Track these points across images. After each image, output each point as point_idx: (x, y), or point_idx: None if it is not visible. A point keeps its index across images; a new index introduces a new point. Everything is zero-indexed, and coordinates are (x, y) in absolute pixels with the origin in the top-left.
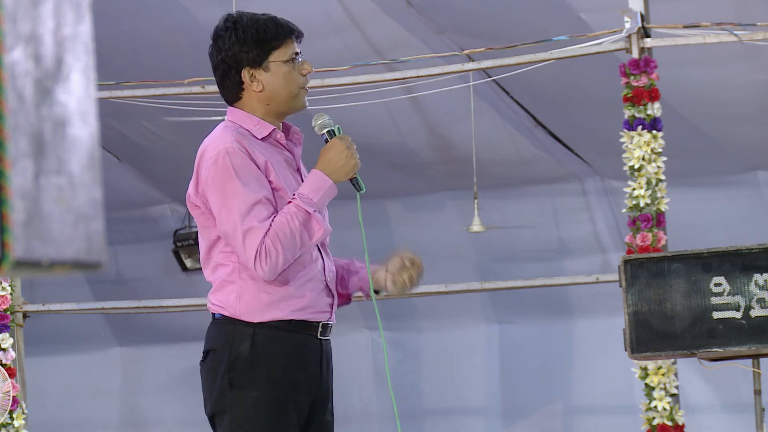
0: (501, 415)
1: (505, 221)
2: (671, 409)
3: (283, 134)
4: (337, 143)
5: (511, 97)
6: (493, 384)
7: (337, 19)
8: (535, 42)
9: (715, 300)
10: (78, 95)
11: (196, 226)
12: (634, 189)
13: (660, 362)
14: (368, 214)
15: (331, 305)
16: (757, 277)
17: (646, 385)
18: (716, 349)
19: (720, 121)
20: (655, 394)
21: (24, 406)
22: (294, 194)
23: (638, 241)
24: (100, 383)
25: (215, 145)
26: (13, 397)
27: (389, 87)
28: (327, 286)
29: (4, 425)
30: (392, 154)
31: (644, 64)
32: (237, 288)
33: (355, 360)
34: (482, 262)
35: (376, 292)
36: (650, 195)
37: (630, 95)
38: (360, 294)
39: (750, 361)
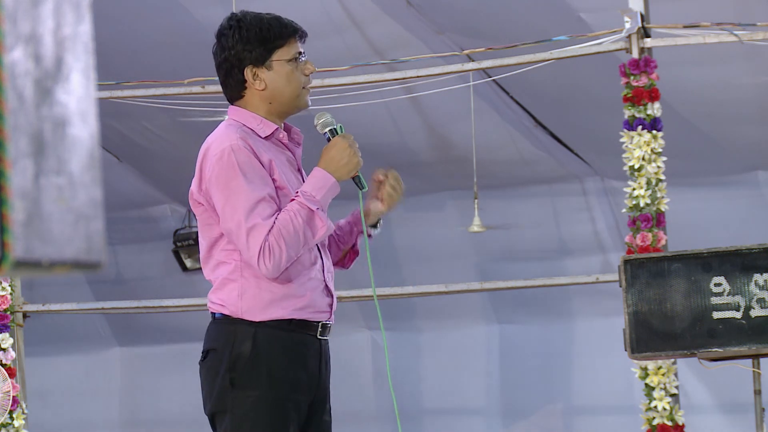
0: (501, 415)
1: (505, 221)
2: (671, 409)
3: (285, 134)
4: (339, 141)
5: (511, 97)
6: (493, 384)
7: (337, 19)
8: (535, 42)
9: (715, 300)
10: (78, 95)
11: (196, 226)
12: (634, 189)
13: (660, 362)
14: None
15: (331, 305)
16: (757, 277)
17: (646, 385)
18: (716, 349)
19: (720, 121)
20: (655, 394)
21: (24, 406)
22: (297, 192)
23: (638, 241)
24: (100, 383)
25: (220, 142)
26: (13, 397)
27: (389, 87)
28: (326, 286)
29: (4, 425)
30: (392, 154)
31: (644, 64)
32: (239, 286)
33: (355, 360)
34: (482, 262)
35: (374, 226)
36: (650, 195)
37: (630, 95)
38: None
39: (750, 361)
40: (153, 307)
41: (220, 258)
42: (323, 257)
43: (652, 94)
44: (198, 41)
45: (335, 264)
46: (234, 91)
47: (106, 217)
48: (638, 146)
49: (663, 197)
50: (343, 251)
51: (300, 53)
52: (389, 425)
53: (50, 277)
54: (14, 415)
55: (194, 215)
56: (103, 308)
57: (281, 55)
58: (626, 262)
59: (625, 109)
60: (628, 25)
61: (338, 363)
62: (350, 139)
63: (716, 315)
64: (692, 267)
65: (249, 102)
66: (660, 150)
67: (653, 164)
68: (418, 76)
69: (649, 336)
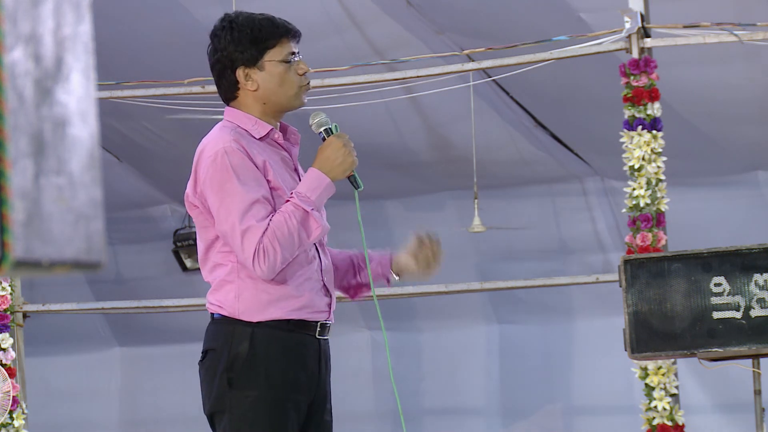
0: (501, 415)
1: (506, 221)
2: (671, 409)
3: (280, 134)
4: (334, 141)
5: (511, 97)
6: (492, 384)
7: (337, 19)
8: (535, 42)
9: (715, 300)
10: (78, 95)
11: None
12: (634, 189)
13: (660, 362)
14: (368, 215)
15: (329, 305)
16: (757, 277)
17: (646, 385)
18: (716, 349)
19: (720, 121)
20: (655, 394)
21: (24, 406)
22: (292, 193)
23: (638, 241)
24: (100, 383)
25: (213, 144)
26: (13, 397)
27: (389, 87)
28: (324, 285)
29: (4, 425)
30: (392, 154)
31: (644, 64)
32: (236, 287)
33: (355, 360)
34: (482, 262)
35: (398, 275)
36: (650, 195)
37: (630, 95)
38: (381, 281)
39: (750, 361)
40: (153, 307)
41: (216, 260)
42: (321, 257)
43: (652, 94)
44: (198, 41)
45: (343, 289)
46: (228, 92)
47: (106, 217)
48: (638, 146)
49: (663, 197)
50: (359, 283)
51: (293, 53)
52: (389, 425)
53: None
54: (14, 415)
55: None
56: (103, 308)
57: (273, 55)
58: (626, 262)
59: (625, 109)
60: (628, 25)
61: (338, 363)
62: (345, 138)
63: (716, 315)
64: (692, 267)
65: (243, 103)
66: (660, 150)
67: (653, 164)
68: (418, 76)
69: (649, 336)
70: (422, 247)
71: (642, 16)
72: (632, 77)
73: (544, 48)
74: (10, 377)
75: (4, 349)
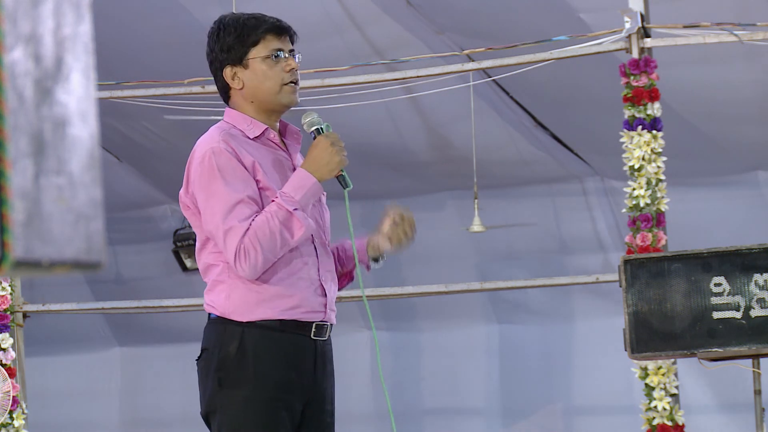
0: (501, 415)
1: (505, 221)
2: (671, 409)
3: (276, 134)
4: (321, 141)
5: (511, 97)
6: (493, 384)
7: (337, 19)
8: (535, 42)
9: (715, 300)
10: (78, 95)
11: None
12: (634, 189)
13: (660, 362)
14: (368, 215)
15: (325, 305)
16: (757, 277)
17: (646, 385)
18: (716, 349)
19: (720, 121)
20: (655, 394)
21: (24, 406)
22: (277, 193)
23: (638, 241)
24: (100, 383)
25: (203, 145)
26: (13, 397)
27: (389, 87)
28: (321, 285)
29: (4, 425)
30: (392, 154)
31: (644, 64)
32: (227, 287)
33: (355, 360)
34: (482, 262)
35: (376, 260)
36: (650, 195)
37: (630, 95)
38: (361, 267)
39: (750, 361)
40: (153, 307)
41: (208, 260)
42: (319, 256)
43: (652, 94)
44: (198, 41)
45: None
46: (222, 92)
47: (106, 217)
48: (638, 146)
49: (663, 197)
50: (340, 273)
51: (279, 50)
52: (388, 425)
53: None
54: (14, 415)
55: None
56: (103, 308)
57: (257, 52)
58: (626, 262)
59: (625, 109)
60: (628, 25)
61: (338, 363)
62: (334, 137)
63: (716, 315)
64: (692, 267)
65: (236, 102)
66: (660, 150)
67: (653, 164)
68: (418, 76)
69: (649, 336)
70: (395, 227)
71: (642, 16)
72: (632, 77)
73: (544, 48)
74: (10, 377)
75: (4, 349)
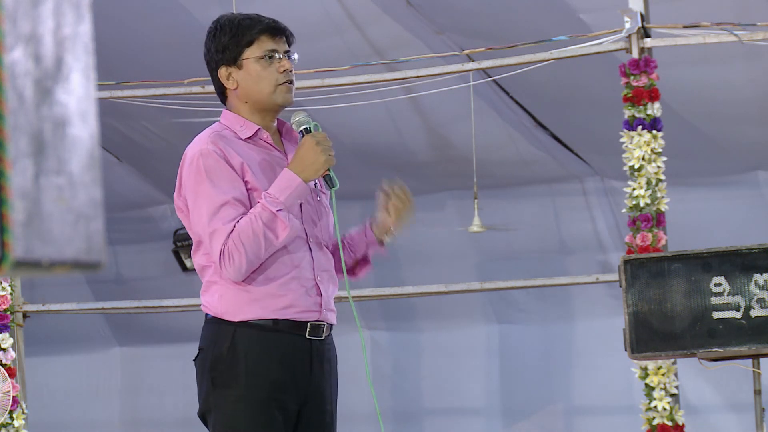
0: (501, 415)
1: (505, 221)
2: (671, 409)
3: (270, 134)
4: (306, 141)
5: (511, 97)
6: (493, 384)
7: (337, 19)
8: (535, 42)
9: (715, 300)
10: (78, 95)
11: None
12: (634, 189)
13: (660, 362)
14: (368, 214)
15: (320, 305)
16: (757, 277)
17: (646, 385)
18: (716, 349)
19: (720, 121)
20: (655, 394)
21: (24, 406)
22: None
23: (638, 241)
24: (100, 383)
25: (193, 148)
26: (13, 397)
27: (389, 87)
28: (316, 285)
29: (4, 425)
30: (392, 154)
31: (644, 64)
32: (219, 288)
33: (354, 360)
34: (482, 262)
35: (381, 243)
36: (650, 195)
37: (630, 95)
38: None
39: (750, 361)
40: (153, 307)
41: (202, 262)
42: (314, 256)
43: (652, 94)
44: (198, 41)
45: (349, 272)
46: (218, 92)
47: (106, 217)
48: (638, 146)
49: (663, 197)
50: (354, 260)
51: (273, 51)
52: (389, 425)
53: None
54: (14, 415)
55: None
56: (103, 308)
57: (251, 53)
58: (626, 262)
59: (625, 109)
60: (628, 25)
61: (339, 363)
62: (320, 137)
63: (716, 315)
64: (692, 267)
65: (231, 103)
66: (660, 150)
67: (653, 164)
68: (418, 76)
69: (649, 336)
70: (390, 199)
71: (642, 16)
72: (632, 77)
73: (544, 48)
74: (10, 377)
75: (4, 349)
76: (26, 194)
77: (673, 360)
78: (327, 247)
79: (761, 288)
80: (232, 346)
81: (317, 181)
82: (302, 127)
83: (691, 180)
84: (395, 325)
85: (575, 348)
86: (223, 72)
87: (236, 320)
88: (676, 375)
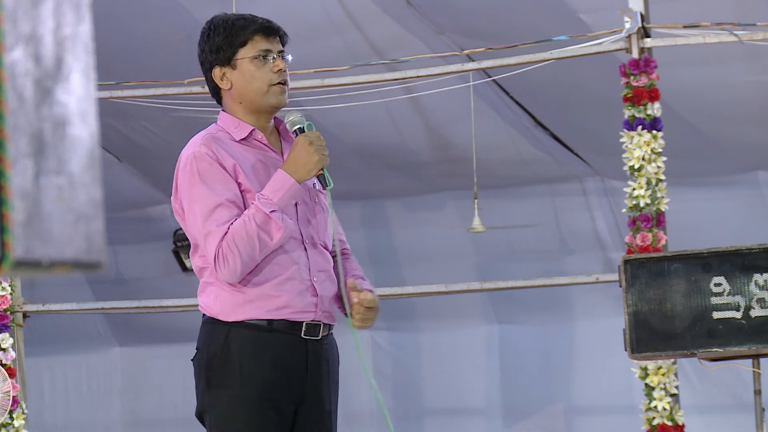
0: (501, 415)
1: (506, 221)
2: (671, 409)
3: (263, 135)
4: (299, 141)
5: (511, 98)
6: (493, 384)
7: (337, 19)
8: (535, 42)
9: (715, 300)
10: (78, 95)
11: None
12: (634, 189)
13: (660, 362)
14: (368, 215)
15: (316, 305)
16: (757, 277)
17: (646, 385)
18: (716, 349)
19: (720, 121)
20: (655, 394)
21: (24, 406)
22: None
23: (638, 241)
24: (100, 383)
25: (186, 151)
26: (13, 397)
27: (389, 87)
28: (312, 285)
29: (4, 425)
30: (392, 154)
31: (644, 64)
32: (215, 289)
33: (354, 360)
34: (482, 262)
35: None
36: (650, 195)
37: (630, 95)
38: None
39: (750, 361)
40: (153, 307)
41: (199, 263)
42: (310, 256)
43: (652, 94)
44: (198, 41)
45: None
46: (213, 93)
47: (106, 217)
48: (638, 146)
49: (663, 197)
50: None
51: (267, 51)
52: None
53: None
54: (14, 415)
55: None
56: (103, 308)
57: (245, 53)
58: (626, 262)
59: (625, 109)
60: (628, 25)
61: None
62: (313, 137)
63: (716, 315)
64: (692, 267)
65: (226, 104)
66: (660, 150)
67: (653, 164)
68: (418, 76)
69: (649, 336)
70: (357, 304)
71: (642, 16)
72: (632, 77)
73: (544, 48)
74: (10, 377)
75: (4, 349)
76: (26, 194)
77: (673, 360)
78: (325, 248)
79: (761, 288)
80: (226, 346)
81: (315, 180)
82: (296, 127)
83: (691, 180)
84: (395, 325)
85: (575, 348)
86: (217, 72)
87: (230, 320)
88: (676, 375)
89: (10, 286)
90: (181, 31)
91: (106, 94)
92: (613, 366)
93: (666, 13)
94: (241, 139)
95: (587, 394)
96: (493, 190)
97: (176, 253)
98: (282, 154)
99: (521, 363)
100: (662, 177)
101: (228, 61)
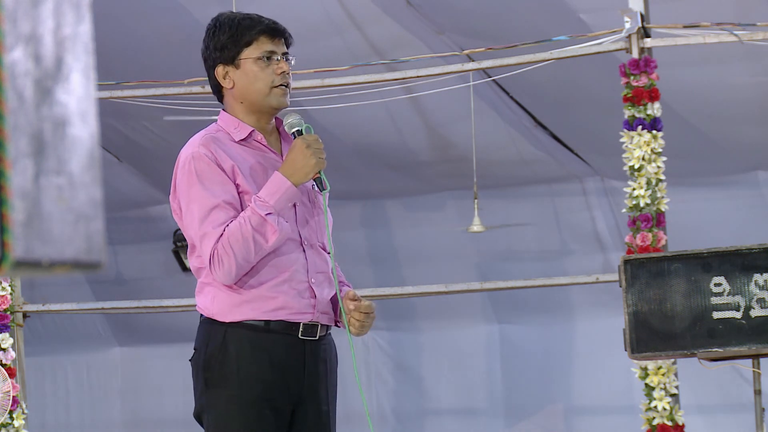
0: (501, 415)
1: (505, 221)
2: (671, 409)
3: (263, 136)
4: (297, 144)
5: (511, 97)
6: (493, 384)
7: (337, 19)
8: (535, 42)
9: (715, 300)
10: (78, 95)
11: None
12: (634, 189)
13: (660, 362)
14: (368, 215)
15: (314, 306)
16: (757, 277)
17: (646, 385)
18: (716, 349)
19: (720, 121)
20: (655, 394)
21: (24, 406)
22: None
23: (638, 241)
24: (100, 383)
25: (185, 150)
26: (13, 397)
27: (389, 87)
28: (310, 287)
29: (4, 425)
30: (392, 154)
31: (644, 64)
32: (212, 289)
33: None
34: (482, 262)
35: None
36: (650, 195)
37: (630, 95)
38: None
39: (750, 361)
40: (153, 307)
41: (196, 263)
42: (308, 258)
43: (652, 94)
44: (198, 41)
45: None
46: (215, 91)
47: (106, 217)
48: (638, 146)
49: (663, 197)
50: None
51: (272, 52)
52: (389, 425)
53: (50, 277)
54: (14, 415)
55: None
56: (103, 308)
57: (249, 53)
58: (626, 262)
59: (625, 109)
60: (628, 25)
61: (339, 363)
62: (311, 140)
63: (716, 315)
64: (692, 267)
65: (228, 103)
66: (660, 150)
67: (653, 164)
68: (418, 76)
69: (649, 336)
70: (355, 310)
71: (642, 16)
72: (632, 77)
73: (544, 48)
74: (10, 377)
75: (4, 349)
76: (26, 194)
77: (673, 360)
78: (323, 249)
79: (761, 288)
80: (224, 346)
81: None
82: (294, 129)
83: (691, 180)
84: (395, 325)
85: (575, 348)
86: (220, 70)
87: (227, 321)
88: (676, 375)
89: (10, 286)
90: (181, 31)
91: (106, 94)
92: (613, 366)
93: (666, 13)
94: (241, 140)
95: (587, 394)
96: (493, 190)
97: (176, 253)
98: (282, 155)
99: (521, 363)
100: (662, 177)
101: (232, 60)
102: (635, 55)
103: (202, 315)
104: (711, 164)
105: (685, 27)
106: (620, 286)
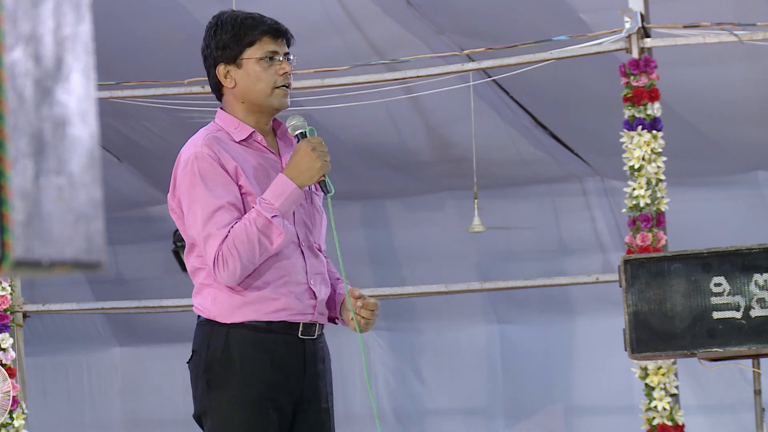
0: (501, 415)
1: (505, 221)
2: (671, 409)
3: (264, 136)
4: (302, 146)
5: (511, 97)
6: (493, 384)
7: (337, 19)
8: (535, 42)
9: (715, 300)
10: (78, 95)
11: None
12: (634, 189)
13: (660, 362)
14: (368, 215)
15: (314, 307)
16: (757, 277)
17: (646, 385)
18: (716, 349)
19: (720, 121)
20: (655, 394)
21: (24, 406)
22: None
23: (638, 241)
24: (100, 383)
25: (187, 150)
26: (13, 397)
27: (389, 87)
28: (309, 288)
29: (4, 425)
30: (392, 154)
31: (644, 64)
32: (212, 291)
33: (355, 360)
34: (482, 262)
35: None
36: (650, 195)
37: (630, 95)
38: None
39: (750, 361)
40: (153, 307)
41: (195, 264)
42: (307, 259)
43: (652, 94)
44: (198, 41)
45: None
46: (215, 90)
47: (106, 217)
48: (638, 146)
49: (663, 197)
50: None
51: (274, 52)
52: (389, 425)
53: (50, 277)
54: (14, 415)
55: None
56: (103, 308)
57: (252, 53)
58: (626, 262)
59: (625, 109)
60: (628, 25)
61: (338, 363)
62: (315, 142)
63: (716, 315)
64: (692, 267)
65: (227, 102)
66: (660, 150)
67: (653, 164)
68: (418, 76)
69: (649, 336)
70: (361, 307)
71: (642, 16)
72: (632, 77)
73: (544, 48)
74: (10, 377)
75: (4, 349)
76: (26, 194)
77: (673, 360)
78: (319, 250)
79: (761, 288)
80: (226, 348)
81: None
82: (298, 132)
83: (691, 180)
84: (395, 325)
85: (575, 348)
86: (221, 69)
87: (229, 322)
88: (676, 375)
89: (10, 286)
90: (181, 31)
91: (106, 94)
92: (613, 366)
93: (666, 13)
94: (241, 141)
95: (587, 394)
96: (493, 190)
97: (176, 253)
98: (280, 156)
99: (521, 363)
100: (662, 177)
101: (234, 59)
102: (635, 55)
103: (200, 316)
104: (711, 164)
105: (685, 27)
106: (620, 286)
